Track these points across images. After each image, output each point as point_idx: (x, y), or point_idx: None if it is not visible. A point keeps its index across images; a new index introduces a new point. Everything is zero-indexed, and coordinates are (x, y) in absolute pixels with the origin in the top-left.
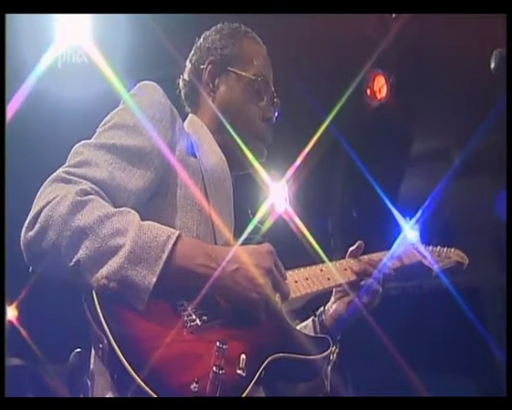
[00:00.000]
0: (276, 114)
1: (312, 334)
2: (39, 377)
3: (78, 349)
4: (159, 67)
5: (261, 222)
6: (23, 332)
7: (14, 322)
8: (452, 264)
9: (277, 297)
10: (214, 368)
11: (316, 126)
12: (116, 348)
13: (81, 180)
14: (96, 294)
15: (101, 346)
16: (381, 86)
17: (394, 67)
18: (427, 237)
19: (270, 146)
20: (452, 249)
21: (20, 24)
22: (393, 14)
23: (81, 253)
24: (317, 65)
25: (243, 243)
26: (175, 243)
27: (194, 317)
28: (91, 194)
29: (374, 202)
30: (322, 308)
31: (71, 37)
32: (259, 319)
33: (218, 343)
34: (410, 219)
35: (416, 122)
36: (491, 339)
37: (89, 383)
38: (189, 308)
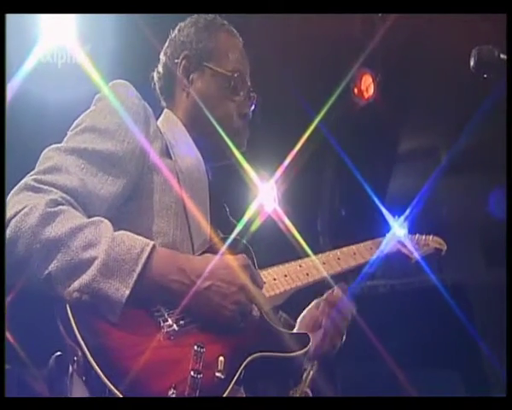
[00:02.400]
0: (252, 108)
1: None
2: (25, 381)
3: (58, 353)
4: (145, 67)
5: (250, 222)
6: (8, 336)
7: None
8: (431, 251)
9: (254, 309)
10: (192, 373)
11: (304, 126)
12: (91, 359)
13: (51, 189)
14: (70, 307)
15: (75, 358)
16: (368, 85)
17: (381, 66)
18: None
19: (258, 144)
20: (431, 236)
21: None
22: (380, 13)
23: (52, 266)
24: (305, 64)
25: (229, 246)
26: (149, 256)
27: (170, 322)
28: (62, 204)
29: (362, 201)
30: None
31: (57, 37)
32: (236, 329)
33: (195, 347)
34: (399, 217)
35: (403, 120)
36: (479, 336)
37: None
38: (166, 313)
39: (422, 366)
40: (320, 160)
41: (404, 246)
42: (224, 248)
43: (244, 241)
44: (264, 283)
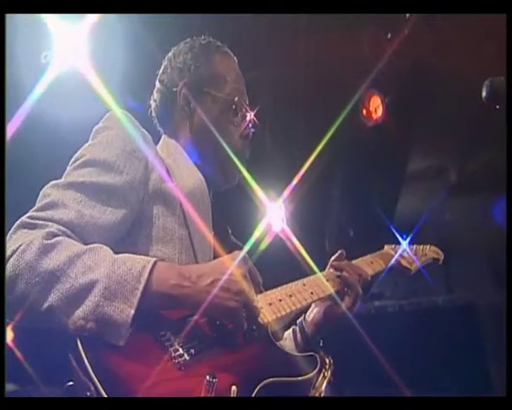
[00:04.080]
0: (251, 126)
1: (293, 343)
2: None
3: (71, 383)
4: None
5: (258, 242)
6: (18, 354)
7: (11, 344)
8: (429, 261)
9: (256, 300)
10: None
11: (312, 146)
12: (104, 395)
13: (47, 223)
14: (81, 342)
15: (88, 394)
16: (376, 106)
17: (390, 88)
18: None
19: (266, 164)
20: (428, 246)
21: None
22: (389, 35)
23: (53, 297)
24: (314, 85)
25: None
26: (150, 272)
27: (181, 351)
28: (59, 235)
29: (371, 222)
30: (302, 316)
31: (68, 53)
32: (241, 327)
33: (207, 377)
34: (407, 237)
35: (411, 141)
36: (489, 356)
37: None
38: (176, 343)
39: (430, 385)
40: (328, 180)
41: (404, 258)
42: (232, 265)
43: (242, 246)
44: (270, 304)
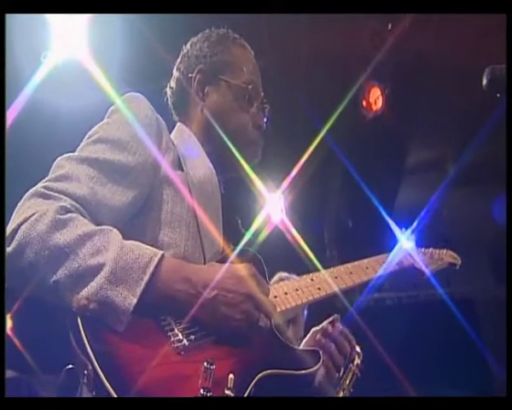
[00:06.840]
0: (265, 120)
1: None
2: (34, 389)
3: (70, 366)
4: (156, 77)
5: (257, 233)
6: (17, 343)
7: (9, 333)
8: (445, 265)
9: (262, 318)
10: (202, 390)
11: (312, 137)
12: (101, 374)
13: (61, 196)
14: (81, 319)
15: (86, 372)
16: (376, 98)
17: (390, 79)
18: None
19: (265, 154)
20: (444, 250)
21: (18, 27)
22: (389, 26)
23: (60, 273)
24: (314, 76)
25: (240, 256)
26: (157, 265)
27: (181, 337)
28: (72, 211)
29: (370, 213)
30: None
31: (68, 45)
32: (245, 339)
33: (205, 364)
34: (406, 229)
35: (411, 133)
36: (487, 350)
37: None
38: (176, 328)
39: (428, 378)
40: (327, 171)
41: (418, 261)
42: (232, 257)
43: (255, 251)
44: (276, 297)
